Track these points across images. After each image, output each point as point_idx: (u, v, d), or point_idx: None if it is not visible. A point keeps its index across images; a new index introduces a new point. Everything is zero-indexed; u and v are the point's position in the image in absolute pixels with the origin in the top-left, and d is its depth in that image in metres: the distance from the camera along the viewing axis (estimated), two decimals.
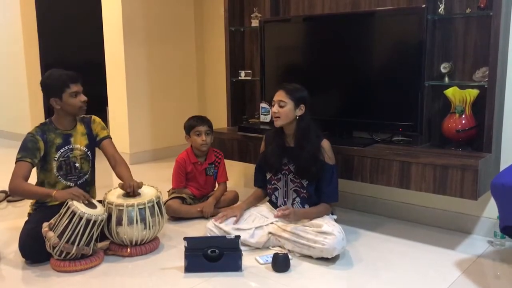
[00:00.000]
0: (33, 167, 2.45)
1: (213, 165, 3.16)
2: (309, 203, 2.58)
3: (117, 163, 2.64)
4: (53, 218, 2.30)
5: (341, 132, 2.98)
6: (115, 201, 2.42)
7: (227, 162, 3.23)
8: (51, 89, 2.49)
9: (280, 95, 2.53)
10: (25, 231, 2.38)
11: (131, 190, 2.47)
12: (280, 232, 2.47)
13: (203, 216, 2.98)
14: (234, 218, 2.56)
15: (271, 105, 2.59)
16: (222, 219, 2.55)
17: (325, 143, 2.56)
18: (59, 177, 2.53)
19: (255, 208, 2.71)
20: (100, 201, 2.48)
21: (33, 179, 2.50)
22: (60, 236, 2.22)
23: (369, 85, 2.85)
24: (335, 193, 2.57)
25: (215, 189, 3.21)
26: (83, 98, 2.53)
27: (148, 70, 4.59)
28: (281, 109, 2.51)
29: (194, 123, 3.08)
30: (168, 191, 3.19)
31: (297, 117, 2.54)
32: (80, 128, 2.62)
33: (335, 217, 2.60)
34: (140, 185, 2.52)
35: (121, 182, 2.54)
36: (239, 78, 3.51)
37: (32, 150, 2.44)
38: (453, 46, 2.65)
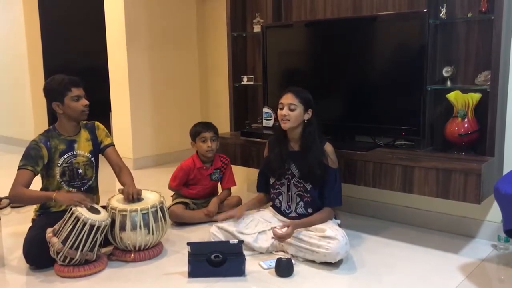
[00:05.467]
0: (34, 175, 2.46)
1: (219, 170, 3.17)
2: (312, 207, 2.58)
3: (121, 171, 2.65)
4: (57, 224, 2.31)
5: (343, 136, 2.98)
6: (119, 207, 2.42)
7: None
8: (53, 93, 2.51)
9: (289, 98, 2.52)
10: (29, 237, 2.39)
11: (130, 199, 2.47)
12: None
13: (209, 217, 2.97)
14: (237, 221, 2.58)
15: (276, 108, 2.58)
16: (222, 218, 2.58)
17: (328, 147, 2.56)
18: (62, 183, 2.54)
19: (258, 212, 2.72)
20: (103, 207, 2.49)
21: (35, 187, 2.50)
22: (64, 242, 2.23)
23: (371, 90, 2.85)
24: (339, 197, 2.57)
25: (218, 194, 3.21)
26: (85, 102, 2.54)
27: (150, 75, 4.61)
28: (291, 112, 2.50)
29: (200, 130, 3.08)
30: (172, 196, 3.19)
31: (305, 121, 2.54)
32: (84, 134, 2.63)
33: (338, 221, 2.60)
34: (139, 192, 2.52)
35: (121, 188, 2.55)
36: (242, 83, 3.52)
37: (34, 158, 2.44)
38: (455, 50, 2.65)
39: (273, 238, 2.51)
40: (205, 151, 3.06)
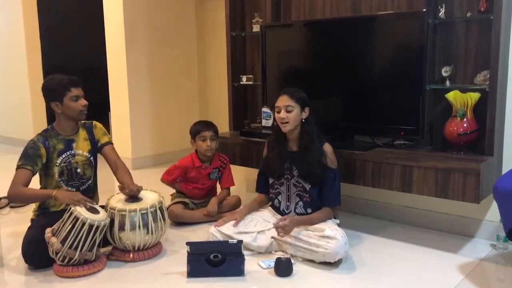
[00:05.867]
0: (33, 175, 2.45)
1: (218, 170, 3.17)
2: (312, 207, 2.58)
3: (118, 169, 2.65)
4: (56, 224, 2.31)
5: (343, 136, 2.98)
6: (118, 206, 2.42)
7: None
8: (52, 92, 2.51)
9: (285, 100, 2.51)
10: (28, 237, 2.38)
11: (131, 193, 2.47)
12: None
13: (208, 217, 2.98)
14: (235, 221, 2.58)
15: (273, 111, 2.58)
16: (221, 224, 2.55)
17: (327, 147, 2.56)
18: (61, 182, 2.53)
19: (257, 212, 2.72)
20: (102, 206, 2.48)
21: (33, 187, 2.50)
22: (63, 242, 2.22)
23: (370, 89, 2.85)
24: (338, 197, 2.57)
25: (217, 193, 3.21)
26: (83, 102, 2.53)
27: (149, 75, 4.61)
28: (289, 114, 2.50)
29: (200, 128, 3.09)
30: (171, 195, 3.19)
31: (303, 120, 2.54)
32: (82, 133, 2.63)
33: (337, 221, 2.60)
34: (140, 189, 2.52)
35: (120, 185, 2.54)
36: (241, 83, 3.52)
37: (32, 158, 2.44)
38: (454, 49, 2.65)
39: (272, 238, 2.51)
40: (204, 150, 3.06)
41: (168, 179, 3.15)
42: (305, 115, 2.54)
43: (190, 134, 3.13)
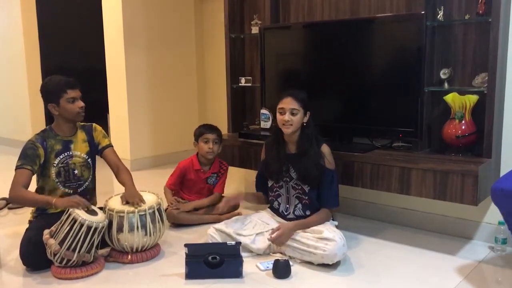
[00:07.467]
0: (33, 175, 2.46)
1: (216, 175, 3.17)
2: (311, 209, 2.58)
3: (120, 171, 2.65)
4: (54, 225, 2.30)
5: (341, 138, 2.98)
6: (116, 208, 2.42)
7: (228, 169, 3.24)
8: (49, 94, 2.51)
9: (291, 103, 2.50)
10: (26, 238, 2.38)
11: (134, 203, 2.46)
12: None
13: (174, 209, 2.94)
14: (235, 222, 2.59)
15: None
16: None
17: (325, 148, 2.56)
18: (58, 183, 2.53)
19: (255, 214, 2.72)
20: (101, 208, 2.48)
21: (33, 186, 2.50)
22: (61, 243, 2.22)
23: (369, 91, 2.85)
24: (336, 198, 2.57)
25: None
26: (80, 104, 2.53)
27: (148, 76, 4.61)
28: (293, 117, 2.49)
29: (204, 130, 3.10)
30: None
31: (304, 124, 2.54)
32: (81, 135, 2.63)
33: (336, 223, 2.60)
34: (142, 199, 2.49)
35: (123, 194, 2.53)
36: (240, 84, 3.52)
37: (31, 157, 2.44)
38: (453, 52, 2.66)
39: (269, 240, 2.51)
40: (206, 152, 3.07)
41: (167, 184, 3.14)
42: (306, 119, 2.54)
43: (194, 136, 3.15)
